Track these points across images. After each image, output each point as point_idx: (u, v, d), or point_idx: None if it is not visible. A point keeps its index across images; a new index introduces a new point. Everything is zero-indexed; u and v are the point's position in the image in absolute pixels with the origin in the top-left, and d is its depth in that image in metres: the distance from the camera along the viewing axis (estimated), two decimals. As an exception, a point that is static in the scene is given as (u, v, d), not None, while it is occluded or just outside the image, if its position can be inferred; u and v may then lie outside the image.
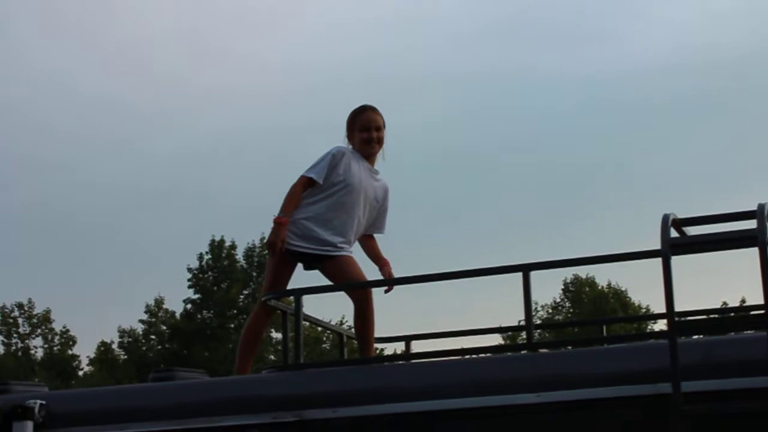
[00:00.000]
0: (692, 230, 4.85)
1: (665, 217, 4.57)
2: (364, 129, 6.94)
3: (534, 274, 5.15)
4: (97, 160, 66.50)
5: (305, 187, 6.76)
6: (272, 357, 43.55)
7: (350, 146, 6.99)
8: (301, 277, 6.83)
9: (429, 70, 69.86)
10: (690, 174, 66.90)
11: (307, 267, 6.80)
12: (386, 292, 6.58)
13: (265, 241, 6.73)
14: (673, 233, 4.64)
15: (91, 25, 68.67)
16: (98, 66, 66.52)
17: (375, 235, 7.14)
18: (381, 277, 6.86)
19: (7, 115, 66.14)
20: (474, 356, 5.51)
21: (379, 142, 6.98)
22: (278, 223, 6.62)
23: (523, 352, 5.29)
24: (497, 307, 55.85)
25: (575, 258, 5.33)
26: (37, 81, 67.46)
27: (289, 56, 68.67)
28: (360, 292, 6.47)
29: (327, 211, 6.71)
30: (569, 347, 5.86)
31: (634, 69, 70.07)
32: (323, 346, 46.64)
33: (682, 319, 5.38)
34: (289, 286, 6.58)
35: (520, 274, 5.16)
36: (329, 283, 6.65)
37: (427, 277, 5.66)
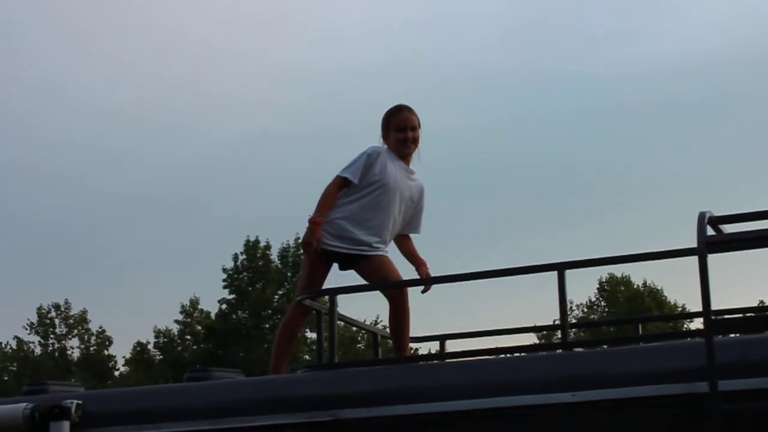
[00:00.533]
0: (729, 228, 4.81)
1: (701, 215, 4.52)
2: (400, 129, 6.92)
3: (569, 274, 5.12)
4: (128, 165, 66.80)
5: (340, 187, 6.75)
6: (307, 357, 43.61)
7: (385, 146, 6.98)
8: (336, 277, 6.84)
9: (451, 73, 69.84)
10: (722, 173, 66.52)
11: (343, 267, 6.79)
12: (423, 292, 6.58)
13: (300, 241, 6.74)
14: (710, 231, 4.60)
15: (96, 33, 69.03)
16: (115, 77, 67.00)
17: (411, 235, 7.13)
18: (416, 277, 6.86)
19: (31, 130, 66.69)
20: (509, 355, 5.48)
21: (415, 141, 6.96)
22: (313, 223, 6.62)
23: (558, 351, 5.27)
24: (530, 307, 55.89)
25: (610, 257, 5.29)
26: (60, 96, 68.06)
27: (303, 60, 68.86)
28: (395, 291, 6.45)
29: (363, 211, 6.70)
30: (605, 346, 5.83)
31: (659, 68, 69.84)
32: (358, 346, 46.66)
33: (719, 317, 5.33)
34: (325, 286, 6.57)
35: (554, 274, 5.14)
36: (364, 282, 6.65)
37: (461, 277, 5.65)
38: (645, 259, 5.28)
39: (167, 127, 68.18)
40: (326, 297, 5.68)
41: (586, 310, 54.69)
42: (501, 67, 71.89)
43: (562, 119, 68.44)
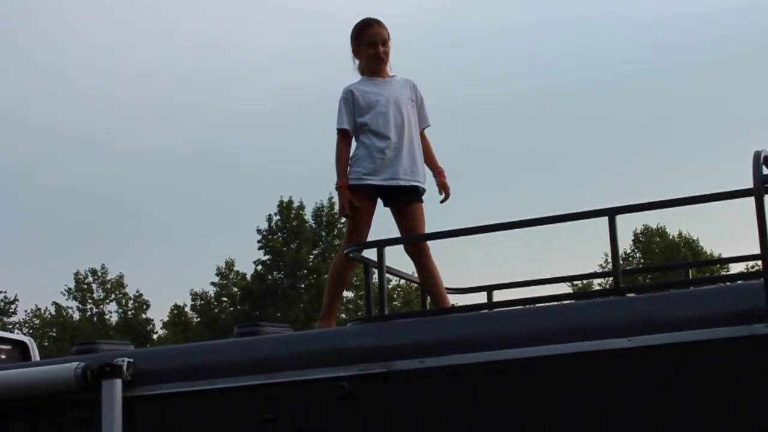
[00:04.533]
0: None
1: (757, 154, 4.42)
2: (371, 44, 6.93)
3: (601, 225, 5.03)
4: (160, 128, 66.97)
5: (345, 140, 6.80)
6: (343, 315, 43.73)
7: (356, 62, 7.02)
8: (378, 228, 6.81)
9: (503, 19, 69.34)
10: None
11: (386, 204, 6.83)
12: (442, 202, 6.84)
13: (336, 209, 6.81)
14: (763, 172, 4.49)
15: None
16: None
17: (425, 132, 7.08)
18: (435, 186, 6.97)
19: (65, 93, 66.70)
20: (562, 302, 5.39)
21: (386, 56, 6.96)
22: (339, 188, 6.68)
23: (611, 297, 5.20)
24: (566, 256, 55.77)
25: (661, 200, 5.14)
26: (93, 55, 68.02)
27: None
28: (414, 248, 6.50)
29: (377, 138, 6.71)
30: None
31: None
32: (394, 304, 46.75)
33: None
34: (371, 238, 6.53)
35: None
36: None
37: (510, 225, 5.53)
38: (697, 201, 5.11)
39: (200, 87, 68.19)
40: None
41: (621, 262, 54.23)
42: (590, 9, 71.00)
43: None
